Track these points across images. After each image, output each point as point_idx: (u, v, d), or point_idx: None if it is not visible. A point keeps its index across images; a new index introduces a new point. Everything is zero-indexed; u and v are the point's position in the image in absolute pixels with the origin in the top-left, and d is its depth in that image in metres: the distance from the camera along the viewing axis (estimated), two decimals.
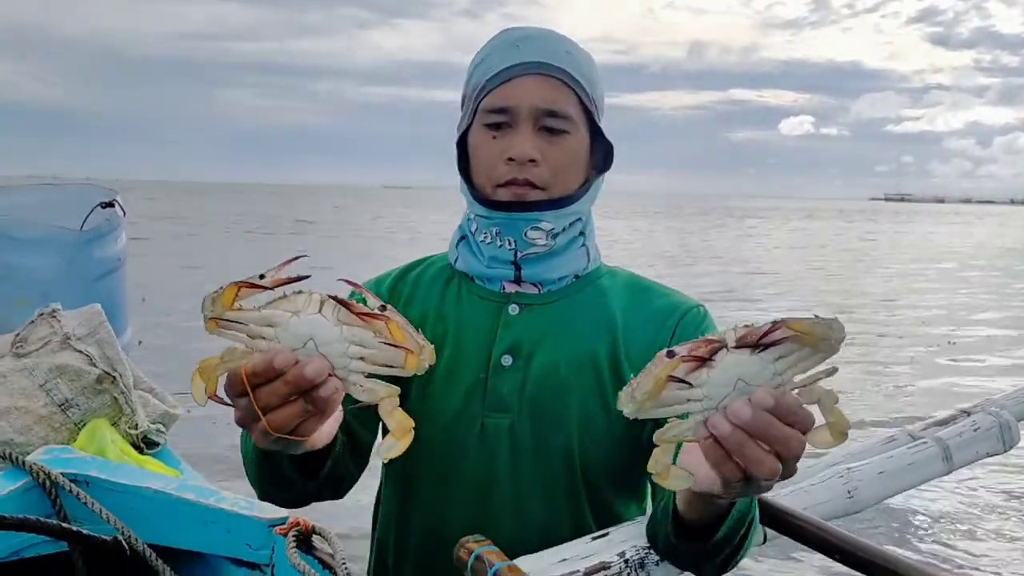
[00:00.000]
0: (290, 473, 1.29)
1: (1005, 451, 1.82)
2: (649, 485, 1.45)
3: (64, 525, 1.61)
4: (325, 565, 1.83)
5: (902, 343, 12.00)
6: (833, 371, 0.94)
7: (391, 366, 1.04)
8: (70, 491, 1.87)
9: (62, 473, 1.90)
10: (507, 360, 1.44)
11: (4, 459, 2.08)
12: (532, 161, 1.38)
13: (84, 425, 2.31)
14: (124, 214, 3.73)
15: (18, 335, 2.46)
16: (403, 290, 1.54)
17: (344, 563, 1.78)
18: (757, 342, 0.92)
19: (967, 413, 1.86)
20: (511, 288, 1.47)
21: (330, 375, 1.01)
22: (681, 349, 0.95)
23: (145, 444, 2.40)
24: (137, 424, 2.37)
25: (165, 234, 26.15)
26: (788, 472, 0.95)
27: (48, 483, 1.88)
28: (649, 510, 1.51)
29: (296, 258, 1.04)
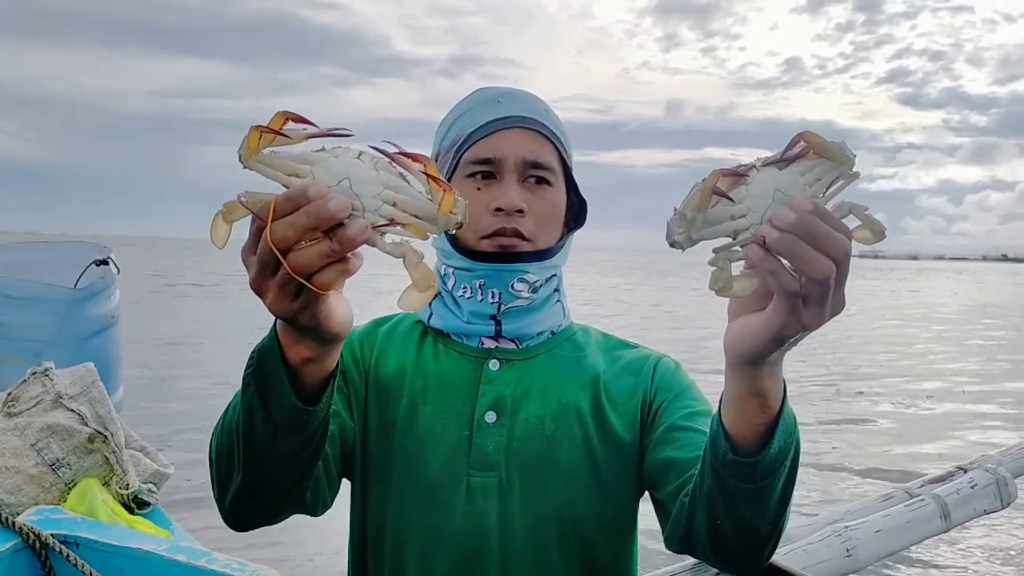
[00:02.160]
0: (286, 399, 1.12)
1: (1003, 508, 1.81)
2: (658, 517, 1.42)
3: None
4: None
5: (885, 397, 11.99)
6: (856, 175, 1.00)
7: (421, 218, 1.01)
8: (60, 552, 1.85)
9: (52, 534, 1.88)
10: (491, 417, 1.43)
11: None
12: (520, 211, 1.39)
13: (75, 485, 2.28)
14: (118, 271, 3.74)
15: (10, 394, 2.45)
16: (375, 342, 1.53)
17: None
18: (782, 158, 1.00)
19: (964, 470, 1.85)
20: (490, 344, 1.47)
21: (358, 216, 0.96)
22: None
23: (136, 504, 2.37)
24: (128, 484, 2.34)
25: (146, 290, 26.06)
26: (841, 277, 0.95)
27: (38, 544, 1.86)
28: (639, 568, 1.49)
29: (338, 132, 0.98)
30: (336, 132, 0.98)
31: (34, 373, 2.51)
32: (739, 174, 0.99)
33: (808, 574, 1.48)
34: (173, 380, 11.05)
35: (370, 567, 1.48)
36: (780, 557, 1.56)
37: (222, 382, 10.42)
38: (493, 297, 1.42)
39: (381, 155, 1.00)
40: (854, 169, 1.00)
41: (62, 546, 1.87)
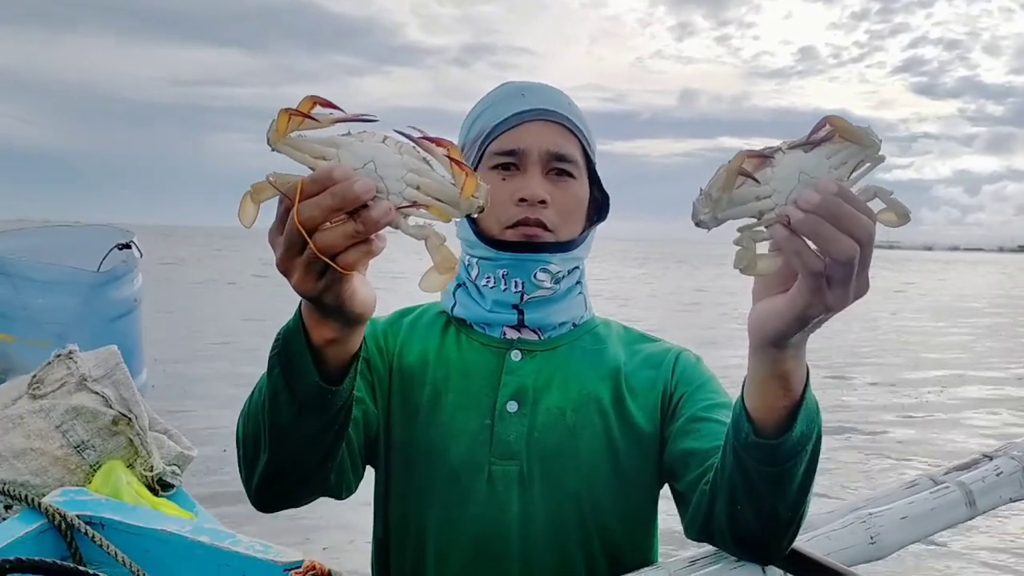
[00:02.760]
0: (310, 378, 1.14)
1: None
2: (678, 508, 1.42)
3: (80, 568, 1.60)
4: None
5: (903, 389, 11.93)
6: (881, 159, 1.00)
7: (444, 201, 1.03)
8: (85, 533, 1.87)
9: (78, 515, 1.90)
10: (512, 406, 1.43)
11: (20, 501, 2.07)
12: (543, 202, 1.40)
13: (99, 467, 2.31)
14: (140, 255, 3.76)
15: (35, 376, 2.47)
16: (399, 331, 1.55)
17: None
18: (807, 141, 1.00)
19: (989, 457, 1.84)
20: (512, 334, 1.47)
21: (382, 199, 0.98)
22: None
23: (160, 486, 2.39)
24: (152, 466, 2.36)
25: (164, 278, 26.18)
26: (865, 259, 0.95)
27: (64, 525, 1.88)
28: (659, 558, 1.49)
29: (365, 117, 1.01)
30: (363, 117, 1.01)
31: (58, 355, 2.54)
32: (765, 156, 0.99)
33: (831, 560, 1.48)
34: (195, 367, 11.12)
35: (392, 554, 1.49)
36: (803, 543, 1.56)
37: (245, 372, 10.53)
38: (516, 286, 1.43)
39: (406, 139, 1.02)
40: (879, 153, 1.00)
41: (87, 527, 1.89)
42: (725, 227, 1.01)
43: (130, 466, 2.32)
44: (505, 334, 1.48)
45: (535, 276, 1.43)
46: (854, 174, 1.01)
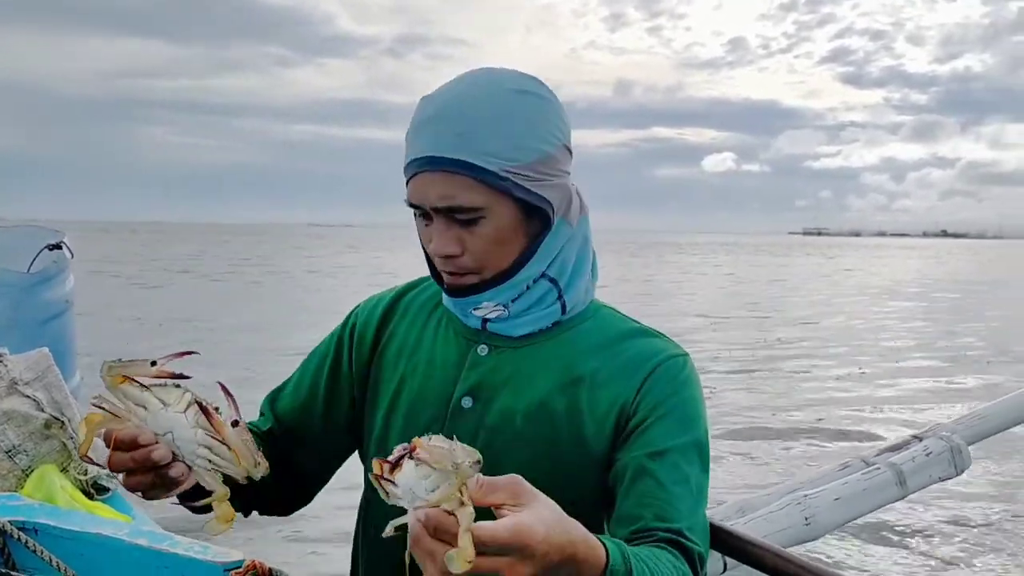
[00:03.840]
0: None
1: (957, 475, 1.85)
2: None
3: (13, 574, 1.57)
4: None
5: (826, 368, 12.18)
6: (469, 510, 0.96)
7: (227, 468, 1.29)
8: (18, 539, 1.83)
9: (10, 521, 1.86)
10: (467, 402, 1.42)
11: None
12: (452, 256, 1.35)
13: (32, 471, 2.26)
14: (71, 256, 3.68)
15: None
16: (395, 315, 1.56)
17: None
18: (403, 456, 1.01)
19: (919, 438, 1.89)
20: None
21: (179, 461, 1.24)
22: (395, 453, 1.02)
23: (96, 490, 2.35)
24: (86, 470, 2.32)
25: (98, 276, 25.68)
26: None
27: None
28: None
29: (187, 353, 1.24)
30: (185, 352, 1.27)
31: None
32: (392, 464, 1.01)
33: (769, 542, 1.51)
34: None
35: (360, 534, 1.54)
36: (741, 526, 1.58)
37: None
38: (464, 313, 1.44)
39: (203, 413, 1.26)
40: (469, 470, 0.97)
41: (20, 532, 1.85)
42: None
43: (64, 470, 2.28)
44: (483, 325, 1.46)
45: (472, 312, 1.43)
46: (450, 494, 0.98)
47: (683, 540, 1.25)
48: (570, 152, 1.40)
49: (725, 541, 1.47)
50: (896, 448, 1.87)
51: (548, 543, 0.97)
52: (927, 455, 1.81)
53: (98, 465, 1.41)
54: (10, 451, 2.25)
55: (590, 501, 1.40)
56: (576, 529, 1.04)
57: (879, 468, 1.76)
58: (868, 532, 5.31)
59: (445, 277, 1.41)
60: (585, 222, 1.45)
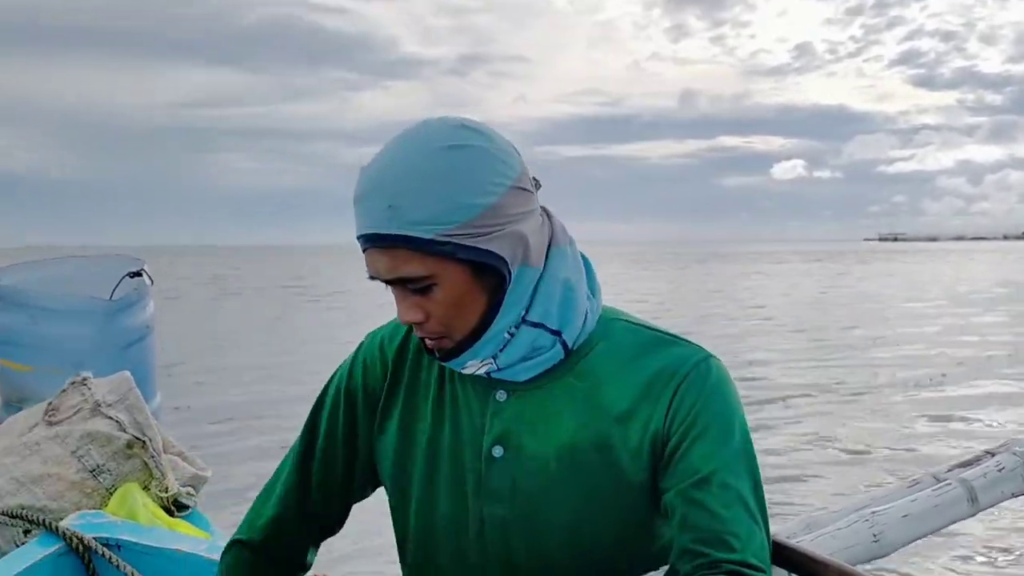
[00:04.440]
0: None
1: None
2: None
3: None
4: None
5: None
6: None
7: None
8: (102, 555, 1.91)
9: (95, 538, 1.94)
10: (498, 451, 1.37)
11: (38, 525, 2.11)
12: (417, 324, 1.32)
13: (115, 490, 2.34)
14: (151, 283, 3.81)
15: (50, 404, 2.51)
16: (407, 362, 1.47)
17: None
18: None
19: (991, 454, 1.85)
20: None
21: None
22: None
23: (176, 507, 2.43)
24: (167, 487, 2.40)
25: (185, 298, 26.15)
26: None
27: (81, 547, 1.92)
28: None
29: None
30: None
31: (73, 383, 2.58)
32: None
33: (835, 559, 1.49)
34: (206, 382, 11.16)
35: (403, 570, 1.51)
36: (807, 543, 1.57)
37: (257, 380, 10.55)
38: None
39: None
40: None
41: (104, 548, 1.93)
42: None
43: (145, 488, 2.36)
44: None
45: (463, 370, 1.39)
46: None
47: (743, 569, 1.24)
48: (526, 189, 1.33)
49: (790, 558, 1.46)
50: (967, 464, 1.84)
51: None
52: (999, 470, 1.78)
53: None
54: (94, 470, 2.34)
55: (637, 534, 1.38)
56: None
57: (950, 484, 1.73)
58: (938, 549, 5.19)
59: (425, 343, 1.36)
60: (559, 253, 1.38)
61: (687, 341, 1.42)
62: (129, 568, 1.86)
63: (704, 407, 1.33)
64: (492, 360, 1.33)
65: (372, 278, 1.31)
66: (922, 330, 17.79)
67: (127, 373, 2.62)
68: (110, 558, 1.90)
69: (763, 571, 1.25)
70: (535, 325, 1.35)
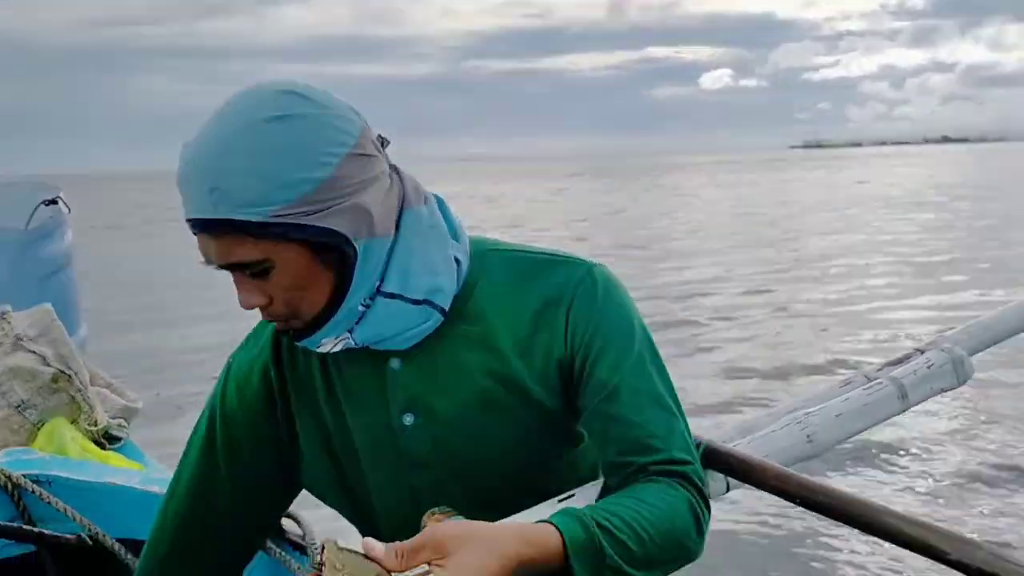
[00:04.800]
0: None
1: (959, 385, 1.85)
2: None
3: (26, 527, 1.60)
4: (295, 546, 1.83)
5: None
6: None
7: None
8: (32, 492, 1.86)
9: (23, 474, 1.89)
10: (408, 419, 1.34)
11: None
12: (262, 308, 1.24)
13: (42, 425, 2.29)
14: (68, 210, 3.68)
15: None
16: (286, 360, 1.40)
17: (315, 543, 1.79)
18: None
19: (920, 351, 1.88)
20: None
21: None
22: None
23: (107, 439, 2.38)
24: (96, 420, 2.35)
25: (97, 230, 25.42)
26: None
27: (10, 485, 1.87)
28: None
29: None
30: None
31: None
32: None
33: (771, 461, 1.52)
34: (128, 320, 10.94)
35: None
36: (743, 446, 1.59)
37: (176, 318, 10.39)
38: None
39: None
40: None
41: (34, 485, 1.88)
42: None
43: (74, 422, 2.31)
44: None
45: (319, 349, 1.30)
46: None
47: (670, 467, 1.23)
48: (367, 154, 1.25)
49: (727, 462, 1.48)
50: (897, 362, 1.87)
51: None
52: (928, 367, 1.81)
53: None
54: (19, 406, 2.28)
55: (567, 455, 1.38)
56: (511, 541, 1.03)
57: (881, 383, 1.76)
58: (870, 449, 5.39)
59: (276, 326, 1.30)
60: (413, 216, 1.31)
61: (565, 256, 1.39)
62: (61, 504, 1.81)
63: (600, 321, 1.32)
64: (348, 334, 1.27)
65: (206, 263, 1.24)
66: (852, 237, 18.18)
67: (48, 306, 2.54)
68: (40, 495, 1.85)
69: (690, 462, 1.26)
70: (391, 296, 1.28)
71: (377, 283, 1.27)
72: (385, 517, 1.38)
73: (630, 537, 1.13)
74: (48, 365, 2.33)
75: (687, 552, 1.22)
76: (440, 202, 1.37)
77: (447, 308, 1.32)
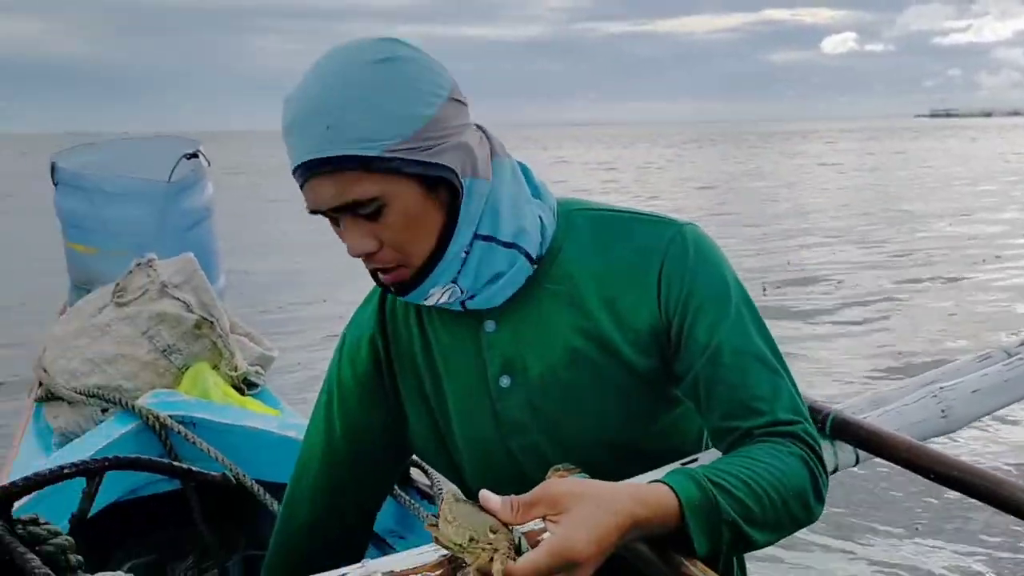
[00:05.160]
0: None
1: None
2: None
3: (175, 464, 1.69)
4: (423, 495, 1.90)
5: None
6: (497, 566, 0.97)
7: None
8: (178, 432, 1.97)
9: (170, 415, 2.00)
10: (505, 381, 1.35)
11: (115, 404, 2.19)
12: (370, 254, 1.24)
13: (186, 369, 2.41)
14: (208, 164, 3.82)
15: (118, 285, 2.57)
16: (390, 331, 1.43)
17: (442, 491, 1.84)
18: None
19: None
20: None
21: None
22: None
23: (245, 385, 2.49)
24: (236, 367, 2.46)
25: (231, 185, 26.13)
26: None
27: (158, 425, 1.98)
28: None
29: None
30: None
31: (138, 264, 2.63)
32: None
33: (902, 435, 1.49)
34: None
35: None
36: (874, 418, 1.56)
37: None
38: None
39: None
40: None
41: (180, 426, 1.99)
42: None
43: (215, 368, 2.42)
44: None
45: (426, 301, 1.34)
46: None
47: (777, 428, 1.21)
48: (459, 101, 1.27)
49: (857, 434, 1.46)
50: None
51: (595, 540, 0.97)
52: None
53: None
54: (165, 350, 2.40)
55: (671, 423, 1.37)
56: (626, 500, 1.02)
57: (1022, 359, 1.70)
58: (1004, 425, 5.17)
59: (380, 277, 1.29)
60: (502, 165, 1.33)
61: (655, 216, 1.37)
62: (205, 444, 1.92)
63: (693, 280, 1.30)
64: (453, 284, 1.27)
65: (314, 212, 1.24)
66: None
67: (191, 255, 2.66)
68: (186, 435, 1.96)
69: (798, 421, 1.23)
70: (485, 239, 1.30)
71: (474, 230, 1.28)
72: (480, 480, 1.39)
73: (747, 495, 1.11)
74: (191, 312, 2.44)
75: (807, 512, 1.19)
76: (521, 165, 1.38)
77: (533, 255, 1.32)
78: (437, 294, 1.29)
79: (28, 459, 2.20)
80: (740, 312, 1.28)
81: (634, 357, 1.31)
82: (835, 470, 1.48)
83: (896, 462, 1.42)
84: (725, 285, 1.30)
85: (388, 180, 1.21)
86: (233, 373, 2.42)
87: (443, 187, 1.25)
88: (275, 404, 2.45)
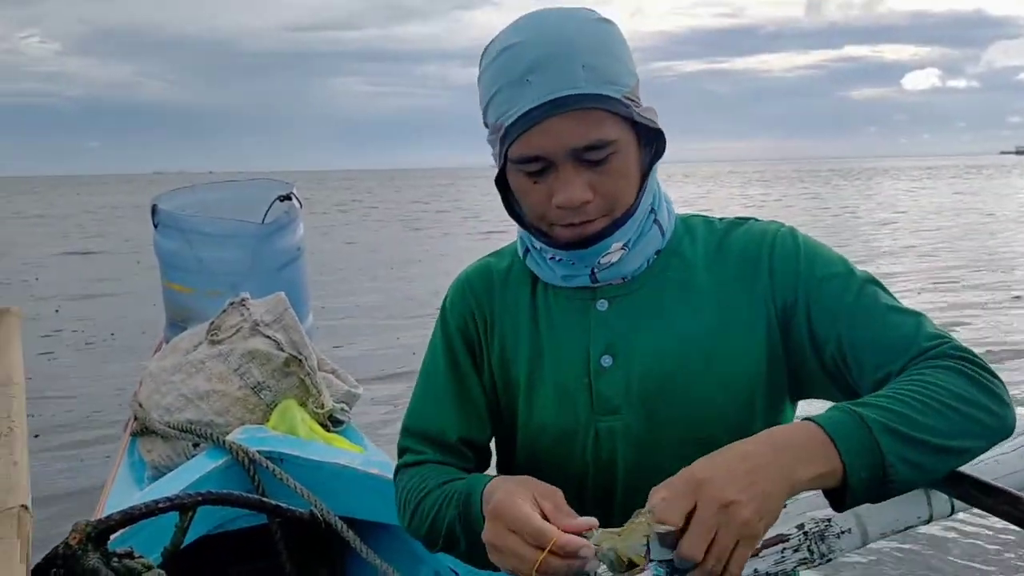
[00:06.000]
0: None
1: None
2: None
3: (264, 499, 1.72)
4: None
5: None
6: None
7: None
8: (267, 468, 2.01)
9: (259, 451, 2.04)
10: (607, 361, 1.35)
11: (206, 439, 2.24)
12: (586, 202, 1.25)
13: (275, 405, 2.46)
14: (300, 206, 3.92)
15: (212, 324, 2.64)
16: (495, 294, 1.45)
17: None
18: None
19: None
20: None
21: None
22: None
23: (331, 422, 2.53)
24: (323, 404, 2.50)
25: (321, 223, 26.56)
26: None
27: (247, 461, 2.02)
28: None
29: None
30: None
31: (232, 303, 2.70)
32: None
33: (999, 484, 1.43)
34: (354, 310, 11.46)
35: None
36: (970, 467, 1.50)
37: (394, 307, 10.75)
38: (586, 266, 1.36)
39: None
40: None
41: (268, 462, 2.03)
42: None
43: (302, 404, 2.46)
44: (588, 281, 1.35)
45: (600, 261, 1.35)
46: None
47: (924, 355, 1.18)
48: None
49: (950, 479, 1.41)
50: None
51: (710, 463, 0.99)
52: None
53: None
54: (256, 387, 2.46)
55: (766, 426, 1.34)
56: (762, 432, 1.04)
57: None
58: None
59: (565, 231, 1.29)
60: None
61: (758, 219, 1.42)
62: (292, 481, 1.95)
63: (805, 262, 1.32)
64: (625, 247, 1.30)
65: (532, 160, 1.25)
66: None
67: (282, 294, 2.72)
68: (273, 471, 2.00)
69: (943, 341, 1.19)
70: (651, 211, 1.36)
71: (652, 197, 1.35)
72: (543, 457, 1.39)
73: (893, 402, 1.08)
74: (282, 350, 2.49)
75: (989, 414, 1.16)
76: None
77: (664, 233, 1.37)
78: (616, 250, 1.32)
79: (122, 492, 2.26)
80: (862, 278, 1.29)
81: (753, 346, 1.33)
82: (929, 519, 1.43)
83: (994, 513, 1.37)
84: (840, 258, 1.34)
85: (624, 126, 1.26)
86: (320, 411, 2.46)
87: (646, 144, 1.32)
88: (359, 441, 2.48)
